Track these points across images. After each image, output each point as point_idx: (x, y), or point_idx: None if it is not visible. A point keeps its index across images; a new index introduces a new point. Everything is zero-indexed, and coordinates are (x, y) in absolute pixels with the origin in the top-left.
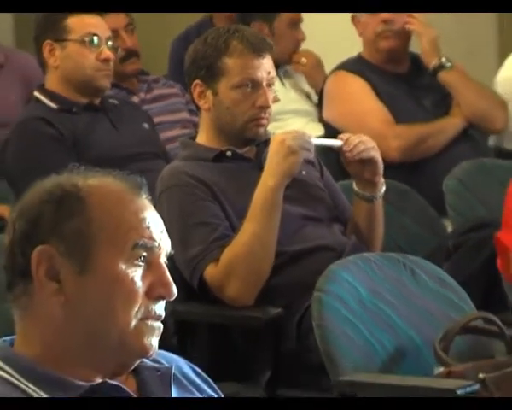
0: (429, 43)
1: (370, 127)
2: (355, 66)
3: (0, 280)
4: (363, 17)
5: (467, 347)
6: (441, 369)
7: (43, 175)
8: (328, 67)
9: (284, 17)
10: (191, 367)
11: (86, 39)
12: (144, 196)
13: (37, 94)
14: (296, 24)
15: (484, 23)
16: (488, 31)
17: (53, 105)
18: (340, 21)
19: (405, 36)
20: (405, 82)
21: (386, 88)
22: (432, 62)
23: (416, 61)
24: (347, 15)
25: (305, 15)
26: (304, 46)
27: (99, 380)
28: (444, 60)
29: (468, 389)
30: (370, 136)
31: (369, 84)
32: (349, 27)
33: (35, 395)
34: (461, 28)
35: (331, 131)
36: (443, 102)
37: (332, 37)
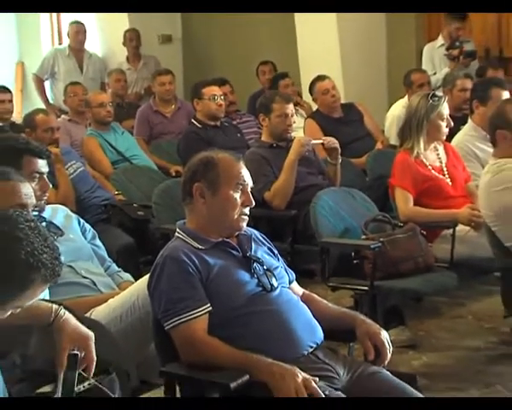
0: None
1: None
2: (315, 114)
3: (179, 196)
4: (318, 92)
5: (375, 228)
6: (364, 237)
7: (193, 155)
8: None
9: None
10: (259, 234)
11: (211, 98)
12: (241, 162)
13: (193, 121)
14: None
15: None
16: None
17: (199, 125)
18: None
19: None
20: (338, 121)
21: (328, 124)
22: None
23: (347, 107)
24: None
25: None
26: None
27: (220, 239)
28: None
29: (376, 245)
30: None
31: (318, 123)
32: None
33: (193, 245)
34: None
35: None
36: (358, 130)
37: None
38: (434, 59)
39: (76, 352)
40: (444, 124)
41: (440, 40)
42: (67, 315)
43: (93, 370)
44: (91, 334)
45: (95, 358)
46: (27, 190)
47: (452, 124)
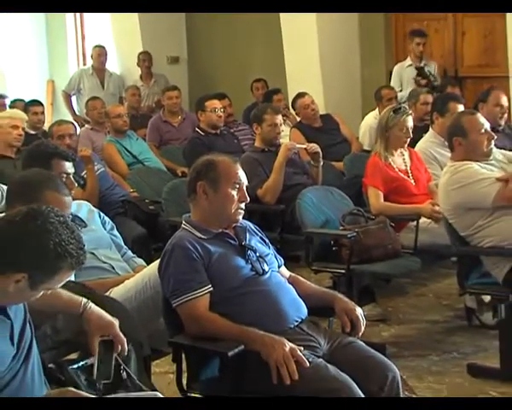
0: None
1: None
2: (298, 124)
3: (185, 192)
4: (300, 107)
5: (351, 220)
6: (342, 228)
7: (197, 158)
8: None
9: None
10: (253, 225)
11: (212, 110)
12: (238, 164)
13: (197, 129)
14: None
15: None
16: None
17: (202, 133)
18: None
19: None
20: (318, 130)
21: (310, 133)
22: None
23: (325, 118)
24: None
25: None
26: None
27: (220, 230)
28: None
29: (352, 235)
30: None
31: (301, 132)
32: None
33: (197, 235)
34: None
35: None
36: (335, 137)
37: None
38: (403, 77)
39: (110, 338)
40: (403, 134)
41: (408, 61)
42: (94, 307)
43: (126, 349)
44: (115, 321)
45: (124, 339)
46: (69, 203)
47: (412, 135)
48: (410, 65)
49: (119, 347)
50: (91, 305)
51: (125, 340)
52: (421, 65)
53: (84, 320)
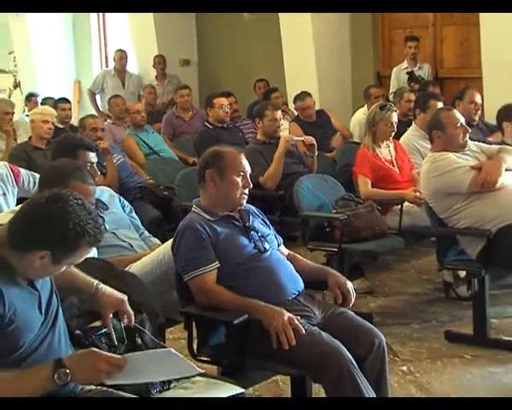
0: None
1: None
2: (296, 119)
3: (195, 180)
4: (300, 108)
5: (343, 204)
6: (334, 211)
7: (206, 149)
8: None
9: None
10: (256, 209)
11: (220, 106)
12: (242, 154)
13: (206, 123)
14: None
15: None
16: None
17: (210, 127)
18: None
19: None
20: (314, 124)
21: (306, 127)
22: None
23: (320, 113)
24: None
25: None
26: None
27: (226, 213)
28: None
29: (343, 217)
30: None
31: (299, 126)
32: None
33: (205, 217)
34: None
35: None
36: (328, 130)
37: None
38: (399, 79)
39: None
40: (388, 128)
41: (405, 64)
42: (104, 287)
43: (133, 320)
44: (124, 297)
45: (131, 313)
46: (93, 191)
47: (396, 129)
48: (406, 68)
49: (127, 319)
50: (102, 286)
51: (132, 314)
52: (413, 69)
53: (96, 298)
